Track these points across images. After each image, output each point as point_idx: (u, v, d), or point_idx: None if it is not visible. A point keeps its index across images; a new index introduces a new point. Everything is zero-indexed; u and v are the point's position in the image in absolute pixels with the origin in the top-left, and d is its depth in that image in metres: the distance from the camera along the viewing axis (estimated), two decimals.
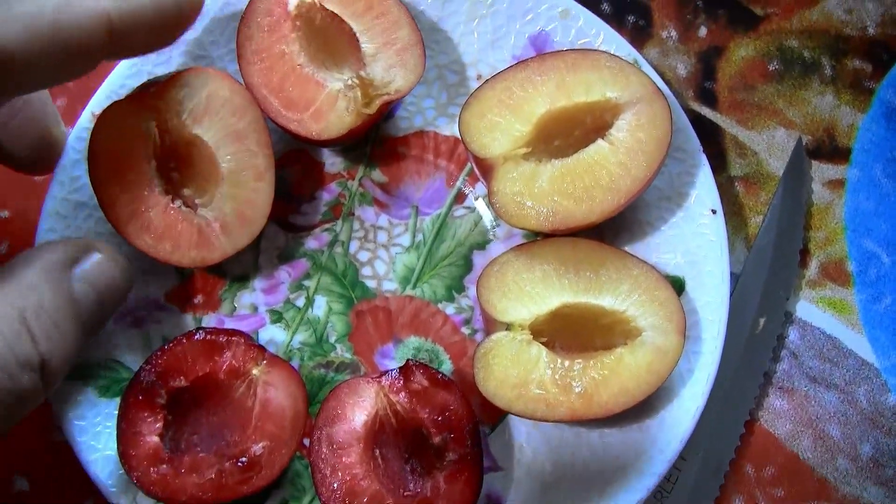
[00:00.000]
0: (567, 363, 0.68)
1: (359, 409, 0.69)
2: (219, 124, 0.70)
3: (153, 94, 0.68)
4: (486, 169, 0.71)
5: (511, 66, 0.71)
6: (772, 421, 0.77)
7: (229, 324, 0.75)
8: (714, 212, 0.73)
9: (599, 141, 0.69)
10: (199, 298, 0.75)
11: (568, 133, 0.71)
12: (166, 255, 0.69)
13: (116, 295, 0.60)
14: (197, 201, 0.71)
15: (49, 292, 0.55)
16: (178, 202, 0.70)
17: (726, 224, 0.76)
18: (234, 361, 0.69)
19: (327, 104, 0.71)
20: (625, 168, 0.69)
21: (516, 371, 0.68)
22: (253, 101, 0.71)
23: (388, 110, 0.75)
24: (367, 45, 0.71)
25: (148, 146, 0.68)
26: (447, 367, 0.75)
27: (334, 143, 0.75)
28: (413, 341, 0.76)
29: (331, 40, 0.73)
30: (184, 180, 0.72)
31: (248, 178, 0.70)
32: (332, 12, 0.71)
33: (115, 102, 0.68)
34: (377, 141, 0.78)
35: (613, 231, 0.75)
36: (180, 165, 0.71)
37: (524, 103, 0.70)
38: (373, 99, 0.71)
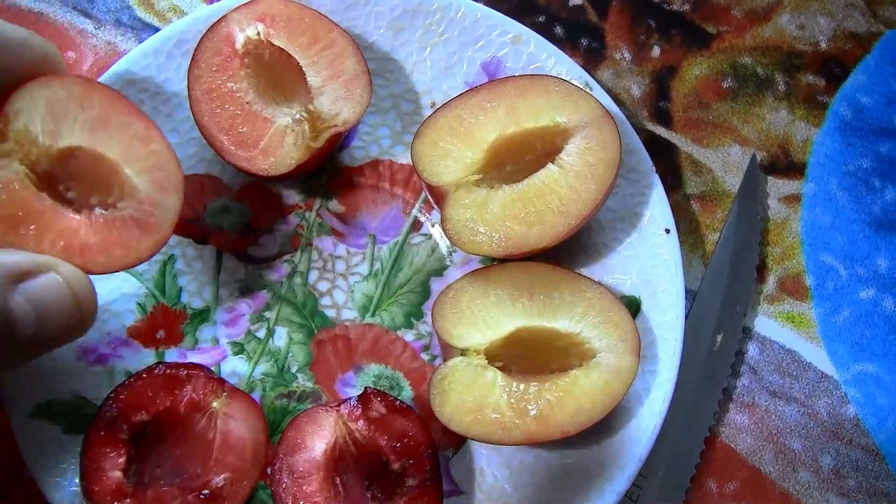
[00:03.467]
0: (522, 387, 0.69)
1: (318, 438, 0.70)
2: (77, 122, 0.66)
3: None
4: (439, 196, 0.72)
5: (461, 94, 0.72)
6: (733, 436, 0.78)
7: (192, 357, 0.76)
8: (668, 231, 0.74)
9: (549, 165, 0.70)
10: (160, 333, 0.76)
11: (519, 158, 0.72)
12: (123, 261, 0.66)
13: (64, 322, 0.57)
14: (110, 201, 0.68)
15: None
16: (96, 212, 0.66)
17: (683, 242, 0.77)
18: (194, 395, 0.70)
19: (276, 140, 0.72)
20: (575, 191, 0.69)
21: (472, 396, 0.69)
22: (91, 81, 0.67)
23: (339, 141, 0.76)
24: (313, 79, 0.72)
25: (28, 186, 0.64)
26: (407, 393, 0.76)
27: (286, 178, 0.76)
28: (373, 369, 0.76)
29: (280, 75, 0.74)
30: (85, 191, 0.68)
31: (139, 149, 0.67)
32: (279, 47, 0.72)
33: None
34: (333, 171, 0.78)
35: (569, 253, 0.76)
36: (72, 181, 0.68)
37: (475, 130, 0.71)
38: (321, 132, 0.72)
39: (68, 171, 0.67)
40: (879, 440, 0.78)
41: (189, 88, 0.72)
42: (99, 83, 0.67)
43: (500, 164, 0.72)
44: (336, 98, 0.72)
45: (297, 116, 0.73)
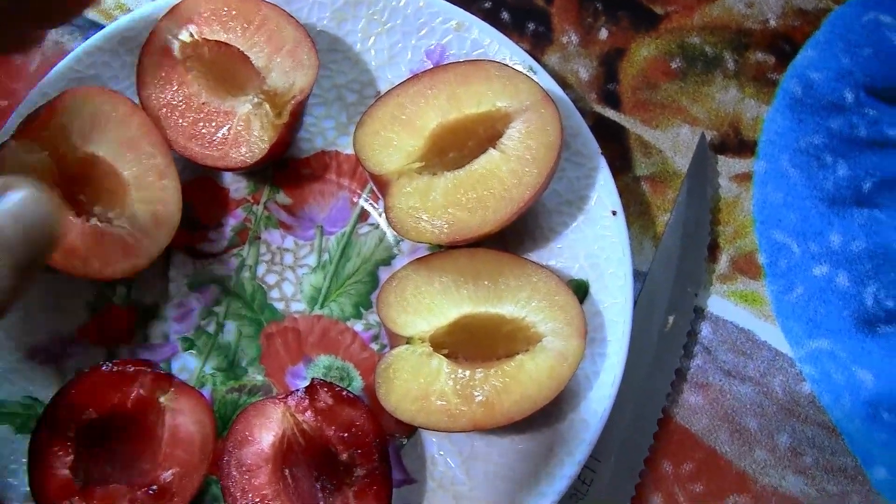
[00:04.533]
0: (468, 373, 0.68)
1: (266, 431, 0.70)
2: (109, 136, 0.71)
3: (37, 125, 0.69)
4: (382, 185, 0.71)
5: (403, 82, 0.72)
6: (688, 417, 0.78)
7: (142, 354, 0.76)
8: (615, 213, 0.74)
9: (490, 150, 0.70)
10: (110, 331, 0.76)
11: (461, 145, 0.72)
12: (97, 272, 0.70)
13: (46, 233, 0.55)
14: (110, 215, 0.72)
15: None
16: (92, 220, 0.70)
17: (634, 224, 0.77)
18: (142, 391, 0.70)
19: (243, 129, 0.72)
20: (517, 176, 0.69)
21: (417, 384, 0.69)
22: (137, 107, 0.72)
23: (303, 109, 0.76)
24: (258, 59, 0.72)
25: (46, 177, 0.69)
26: (358, 383, 0.76)
27: (261, 164, 0.75)
28: (323, 360, 0.76)
29: (226, 67, 0.74)
30: (92, 199, 0.72)
31: (152, 180, 0.72)
32: (216, 41, 0.72)
33: (2, 144, 0.68)
34: (280, 164, 0.78)
35: (516, 238, 0.76)
36: (84, 186, 0.72)
37: (416, 118, 0.71)
38: (282, 107, 0.72)
39: (84, 176, 0.71)
40: (835, 417, 0.78)
41: (147, 110, 0.73)
42: (141, 110, 0.72)
43: (443, 152, 0.72)
44: (286, 70, 0.73)
45: (256, 100, 0.73)
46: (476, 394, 0.68)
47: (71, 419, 0.68)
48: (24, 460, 0.71)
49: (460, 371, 0.69)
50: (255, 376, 0.76)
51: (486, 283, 0.70)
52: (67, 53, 0.77)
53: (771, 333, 0.79)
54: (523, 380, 0.69)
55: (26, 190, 0.54)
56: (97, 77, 0.76)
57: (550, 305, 0.70)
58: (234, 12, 0.73)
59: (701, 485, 0.77)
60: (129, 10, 0.83)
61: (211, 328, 0.76)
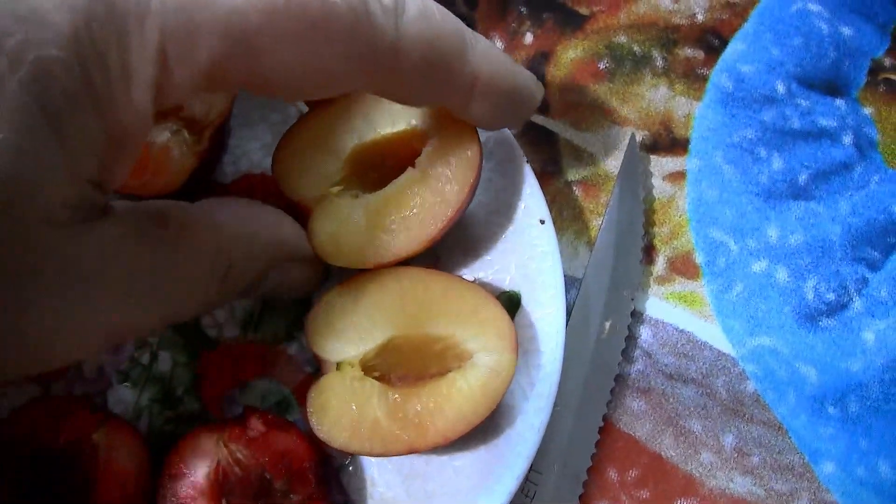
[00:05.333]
0: (399, 396, 0.68)
1: (200, 462, 0.69)
2: None
3: None
4: (304, 210, 0.71)
5: (318, 104, 0.71)
6: (630, 423, 0.77)
7: (78, 388, 0.75)
8: (542, 222, 0.73)
9: (409, 170, 0.69)
10: None
11: (381, 164, 0.71)
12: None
13: None
14: None
15: None
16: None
17: (567, 229, 0.77)
18: (75, 428, 0.69)
19: (162, 158, 0.72)
20: (438, 194, 0.68)
21: (349, 410, 0.68)
22: None
23: (223, 133, 0.75)
24: None
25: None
26: (294, 406, 0.75)
27: (186, 190, 0.75)
28: (259, 384, 0.76)
29: None
30: None
31: None
32: None
33: None
34: (207, 188, 0.78)
35: (448, 252, 0.75)
36: None
37: (332, 140, 0.70)
38: (203, 133, 0.72)
39: None
40: (781, 414, 0.77)
41: None
42: None
43: (363, 173, 0.71)
44: (201, 94, 0.72)
45: (174, 128, 0.72)
46: (409, 416, 0.67)
47: (3, 459, 0.68)
48: None
49: (391, 394, 0.68)
50: (192, 405, 0.75)
51: (412, 303, 0.69)
52: None
53: (712, 333, 0.78)
54: (456, 398, 0.68)
55: None
56: None
57: (479, 321, 0.69)
58: None
59: (647, 490, 0.76)
60: None
61: (145, 359, 0.76)
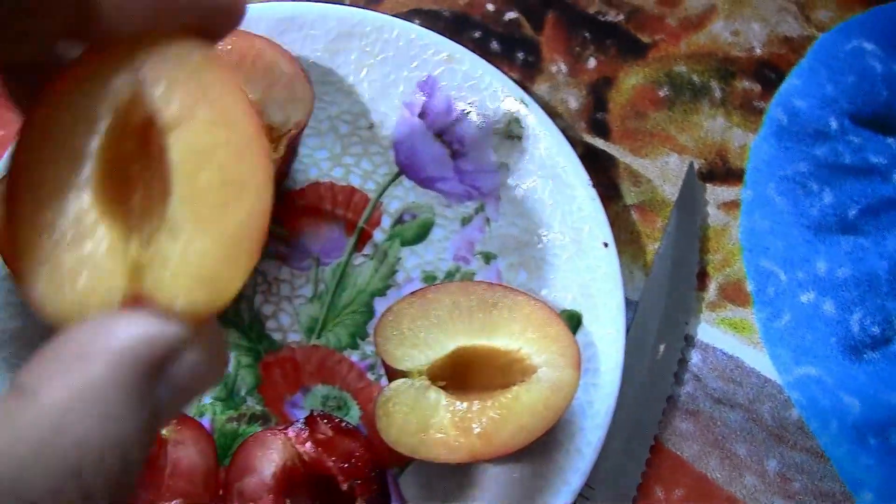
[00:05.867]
0: (465, 405, 0.69)
1: (267, 461, 0.71)
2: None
3: None
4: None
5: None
6: (678, 443, 0.79)
7: None
8: (606, 245, 0.75)
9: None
10: None
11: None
12: None
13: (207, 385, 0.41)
14: None
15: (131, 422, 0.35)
16: None
17: (624, 253, 0.78)
18: None
19: None
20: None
21: (416, 417, 0.69)
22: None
23: (299, 143, 0.76)
24: (253, 93, 0.73)
25: None
26: (355, 412, 0.77)
27: None
28: (321, 389, 0.77)
29: None
30: None
31: None
32: None
33: None
34: (276, 196, 0.79)
35: (511, 271, 0.77)
36: None
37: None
38: (279, 141, 0.73)
39: None
40: (823, 442, 0.79)
41: None
42: None
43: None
44: (281, 104, 0.73)
45: None
46: (474, 425, 0.69)
47: None
48: None
49: (458, 403, 0.69)
50: (254, 405, 0.77)
51: (480, 315, 0.71)
52: None
53: (759, 360, 0.80)
54: (519, 411, 0.69)
55: (194, 353, 0.39)
56: None
57: (544, 337, 0.71)
58: (228, 47, 0.74)
59: None
60: None
61: None
